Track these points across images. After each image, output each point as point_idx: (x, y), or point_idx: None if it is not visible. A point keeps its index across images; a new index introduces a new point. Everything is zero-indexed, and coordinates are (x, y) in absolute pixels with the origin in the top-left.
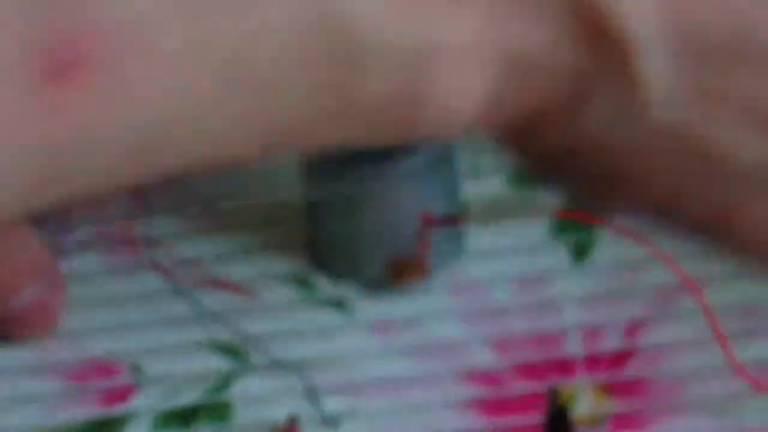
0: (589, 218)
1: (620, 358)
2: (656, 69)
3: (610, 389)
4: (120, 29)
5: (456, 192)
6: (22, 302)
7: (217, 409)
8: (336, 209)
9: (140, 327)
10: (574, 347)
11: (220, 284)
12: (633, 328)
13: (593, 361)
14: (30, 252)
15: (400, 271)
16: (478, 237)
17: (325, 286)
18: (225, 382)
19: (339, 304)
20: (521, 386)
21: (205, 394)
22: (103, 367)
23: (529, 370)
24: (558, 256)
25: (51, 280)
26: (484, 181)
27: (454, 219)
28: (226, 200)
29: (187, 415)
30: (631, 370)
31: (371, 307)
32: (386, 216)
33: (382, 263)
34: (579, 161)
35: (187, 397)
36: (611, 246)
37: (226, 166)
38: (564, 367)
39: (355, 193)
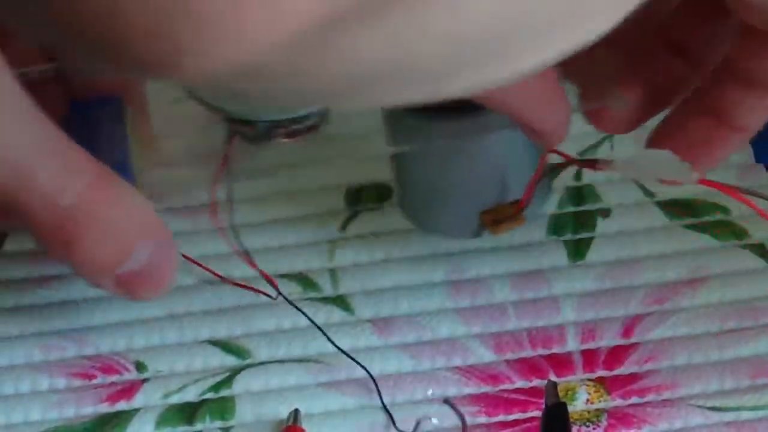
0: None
1: (617, 354)
2: None
3: (607, 385)
4: None
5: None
6: (137, 263)
7: (220, 406)
8: (425, 162)
9: (145, 324)
10: (572, 344)
11: (225, 281)
12: (630, 325)
13: (590, 358)
14: (141, 213)
15: (497, 221)
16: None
17: (327, 284)
18: (228, 378)
19: (340, 302)
20: (519, 383)
21: (209, 390)
22: (108, 364)
23: (527, 367)
24: (556, 254)
25: (163, 239)
26: None
27: (579, 161)
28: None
29: (191, 411)
30: (628, 367)
31: (372, 305)
32: (476, 166)
33: (476, 214)
34: None
35: (191, 394)
36: (608, 244)
37: None
38: (562, 363)
39: (444, 145)
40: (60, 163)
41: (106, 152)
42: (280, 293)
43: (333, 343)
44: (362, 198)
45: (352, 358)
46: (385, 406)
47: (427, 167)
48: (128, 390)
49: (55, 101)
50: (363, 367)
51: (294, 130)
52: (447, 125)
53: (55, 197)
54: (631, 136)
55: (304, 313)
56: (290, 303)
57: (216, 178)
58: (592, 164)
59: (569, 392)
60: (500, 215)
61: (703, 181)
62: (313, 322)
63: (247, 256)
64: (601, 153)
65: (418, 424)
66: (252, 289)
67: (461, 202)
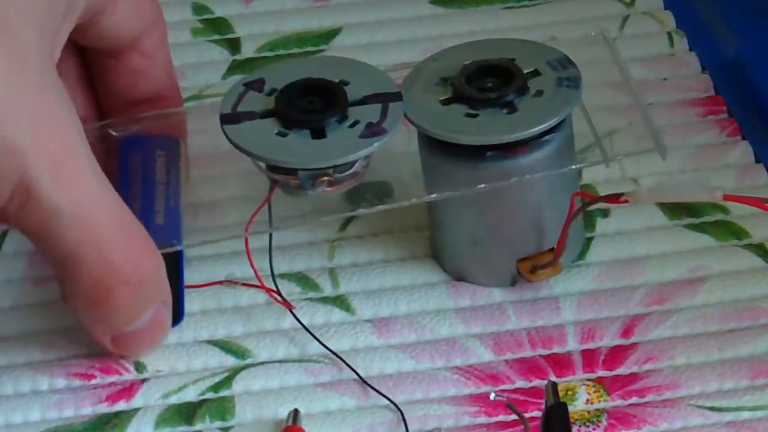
0: (610, 199)
1: (617, 354)
2: None
3: (607, 385)
4: None
5: (576, 184)
6: (142, 323)
7: (220, 406)
8: (461, 210)
9: None
10: (572, 344)
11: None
12: (630, 325)
13: (590, 358)
14: (163, 278)
15: (534, 268)
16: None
17: (327, 284)
18: (228, 378)
19: (340, 302)
20: (519, 383)
21: (209, 390)
22: (107, 364)
23: (527, 367)
24: None
25: (166, 298)
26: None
27: (603, 198)
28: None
29: (191, 411)
30: (628, 367)
31: (372, 305)
32: (512, 212)
33: (512, 262)
34: None
35: (191, 394)
36: (608, 244)
37: None
38: (562, 363)
39: (480, 192)
40: (118, 223)
41: (158, 184)
42: (273, 293)
43: (323, 344)
44: (362, 198)
45: (342, 359)
46: (396, 405)
47: (463, 214)
48: (128, 390)
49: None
50: (353, 369)
51: (337, 179)
52: (483, 171)
53: (107, 255)
54: (628, 133)
55: (294, 315)
56: (282, 303)
57: (252, 221)
58: (617, 198)
59: (569, 392)
60: (537, 263)
61: (727, 197)
62: (301, 323)
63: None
64: (598, 153)
65: None
66: (259, 287)
67: (498, 250)
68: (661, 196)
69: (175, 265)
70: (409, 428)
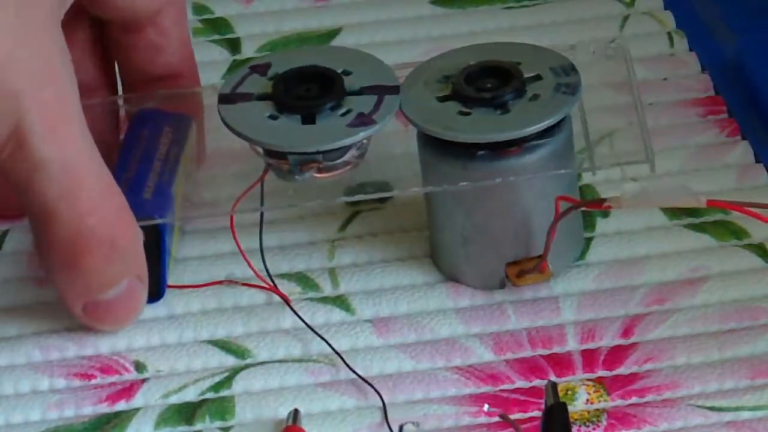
0: (592, 205)
1: (617, 354)
2: None
3: (607, 385)
4: None
5: (573, 189)
6: (115, 293)
7: (220, 406)
8: (453, 208)
9: (144, 324)
10: (572, 344)
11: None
12: (630, 325)
13: (590, 358)
14: (139, 250)
15: (522, 272)
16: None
17: (327, 284)
18: (228, 378)
19: (340, 302)
20: (519, 383)
21: (209, 390)
22: (107, 364)
23: (527, 367)
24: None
25: (142, 274)
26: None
27: (586, 203)
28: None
29: (191, 411)
30: (628, 367)
31: (372, 305)
32: (501, 212)
33: (501, 266)
34: None
35: (191, 394)
36: (608, 244)
37: None
38: (562, 363)
39: (473, 190)
40: (99, 187)
41: (157, 160)
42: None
43: (330, 345)
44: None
45: (345, 362)
46: (375, 389)
47: (453, 213)
48: (128, 390)
49: (103, 128)
50: (357, 373)
51: (327, 167)
52: (473, 170)
53: (84, 215)
54: (628, 133)
55: (300, 318)
56: (291, 308)
57: (238, 201)
58: (600, 204)
59: (569, 392)
60: (525, 268)
61: (711, 203)
62: (307, 325)
63: (253, 257)
64: (599, 152)
65: (401, 429)
66: (262, 287)
67: (486, 251)
68: (645, 201)
69: (156, 242)
70: (407, 429)
